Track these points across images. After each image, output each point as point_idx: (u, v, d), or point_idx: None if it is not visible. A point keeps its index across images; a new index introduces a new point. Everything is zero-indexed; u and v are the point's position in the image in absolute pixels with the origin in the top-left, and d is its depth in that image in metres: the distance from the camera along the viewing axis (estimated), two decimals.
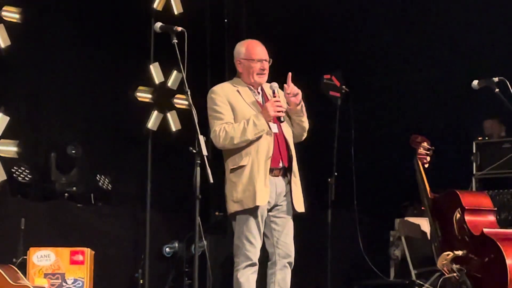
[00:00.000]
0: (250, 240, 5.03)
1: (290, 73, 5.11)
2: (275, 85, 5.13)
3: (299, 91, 5.11)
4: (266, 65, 5.16)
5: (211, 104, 5.13)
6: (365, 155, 7.81)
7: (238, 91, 5.15)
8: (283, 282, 5.13)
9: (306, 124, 5.23)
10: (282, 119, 5.07)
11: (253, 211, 5.02)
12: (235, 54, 5.22)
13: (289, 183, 5.13)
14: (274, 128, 5.10)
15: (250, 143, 5.02)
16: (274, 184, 5.09)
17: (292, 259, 5.15)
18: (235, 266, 5.07)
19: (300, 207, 5.15)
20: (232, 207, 5.08)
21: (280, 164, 5.11)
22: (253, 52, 5.15)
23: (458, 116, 8.02)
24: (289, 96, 5.09)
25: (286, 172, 5.13)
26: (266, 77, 5.19)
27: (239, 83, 5.20)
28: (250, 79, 5.18)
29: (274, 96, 5.08)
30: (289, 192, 5.13)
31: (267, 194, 5.01)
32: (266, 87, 5.22)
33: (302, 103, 5.16)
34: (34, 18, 7.24)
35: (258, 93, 5.22)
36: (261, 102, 5.18)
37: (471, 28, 7.89)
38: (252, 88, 5.20)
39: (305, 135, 5.29)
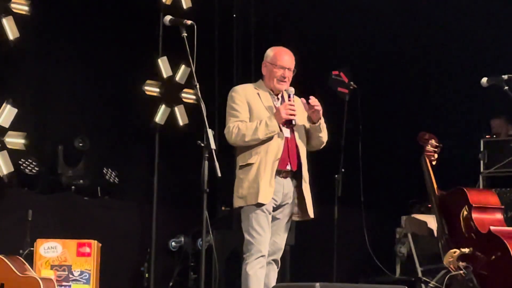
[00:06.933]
0: (259, 232, 5.09)
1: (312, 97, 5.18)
2: (291, 89, 5.20)
3: (320, 108, 5.16)
4: (288, 74, 5.24)
5: (230, 101, 5.23)
6: (373, 152, 7.79)
7: (258, 94, 5.24)
8: (266, 277, 5.16)
9: (324, 139, 5.31)
10: (293, 123, 5.13)
11: (258, 206, 5.08)
12: (264, 56, 5.31)
13: (297, 187, 5.20)
14: (286, 132, 5.17)
15: (261, 143, 5.10)
16: (282, 185, 5.16)
17: (277, 257, 5.22)
18: (245, 259, 5.10)
19: (311, 213, 5.24)
20: (237, 203, 5.18)
21: (288, 167, 5.17)
22: (279, 58, 5.23)
23: (466, 114, 8.01)
24: (310, 110, 5.14)
25: (294, 176, 5.19)
26: (286, 85, 5.25)
27: (261, 86, 5.29)
28: (270, 84, 5.27)
29: (289, 100, 5.14)
30: (297, 197, 5.20)
31: (270, 194, 5.08)
32: (287, 96, 5.28)
33: (322, 119, 5.22)
34: (43, 11, 7.24)
35: (278, 99, 5.29)
36: None
37: (480, 25, 7.87)
38: (272, 93, 5.28)
39: (323, 145, 5.34)
